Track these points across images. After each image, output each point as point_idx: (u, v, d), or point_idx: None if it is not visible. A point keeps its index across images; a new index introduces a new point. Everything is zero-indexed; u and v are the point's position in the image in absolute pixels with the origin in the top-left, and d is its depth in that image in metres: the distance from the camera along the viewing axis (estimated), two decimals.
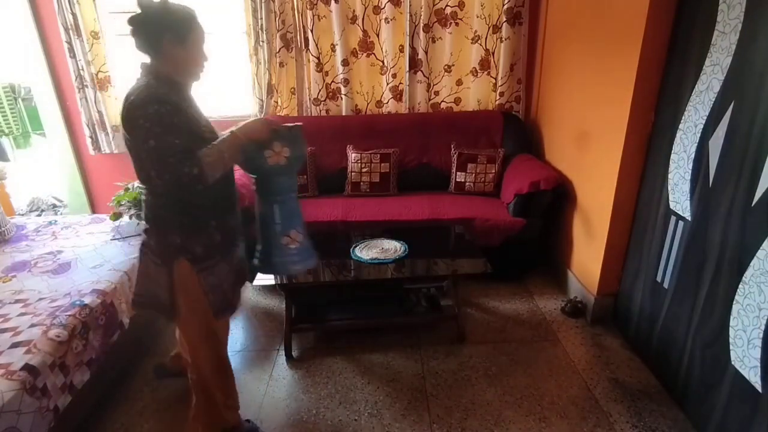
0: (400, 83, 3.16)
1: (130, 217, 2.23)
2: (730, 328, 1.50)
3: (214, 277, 1.44)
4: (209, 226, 1.42)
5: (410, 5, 2.95)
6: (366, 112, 3.26)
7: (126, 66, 3.16)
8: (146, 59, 1.34)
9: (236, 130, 1.38)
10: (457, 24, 3.04)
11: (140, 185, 1.47)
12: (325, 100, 3.20)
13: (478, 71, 3.13)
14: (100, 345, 1.73)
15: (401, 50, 3.08)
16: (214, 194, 1.41)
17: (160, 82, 1.32)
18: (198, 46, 1.37)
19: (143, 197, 1.42)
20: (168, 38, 1.30)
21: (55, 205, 4.01)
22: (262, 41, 2.98)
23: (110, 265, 2.01)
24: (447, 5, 2.99)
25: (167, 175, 1.24)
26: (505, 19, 2.95)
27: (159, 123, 1.24)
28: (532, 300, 2.60)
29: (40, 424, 1.38)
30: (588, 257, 2.39)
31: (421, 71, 3.13)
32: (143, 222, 1.44)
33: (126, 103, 1.27)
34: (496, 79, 3.14)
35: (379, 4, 2.99)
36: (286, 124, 1.47)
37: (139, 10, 1.28)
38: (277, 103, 3.18)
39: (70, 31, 2.94)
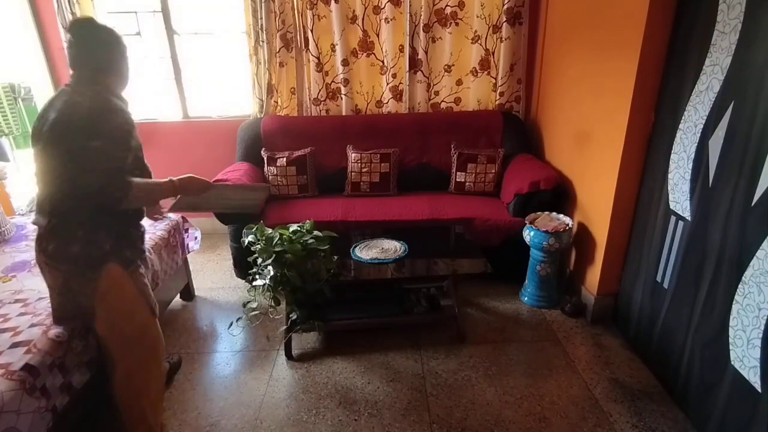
0: (400, 83, 3.16)
1: None
2: (730, 328, 1.51)
3: (143, 277, 1.54)
4: (138, 230, 1.55)
5: (410, 5, 2.94)
6: (366, 112, 3.26)
7: None
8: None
9: (176, 182, 1.48)
10: (457, 24, 3.03)
11: (52, 193, 1.34)
12: (325, 100, 3.20)
13: (478, 71, 3.13)
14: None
15: (401, 50, 3.08)
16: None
17: (111, 94, 1.38)
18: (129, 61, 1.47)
19: (52, 208, 1.33)
20: (118, 51, 1.40)
21: None
22: (262, 41, 2.97)
23: None
24: (447, 5, 2.99)
25: (96, 183, 1.26)
26: (505, 19, 2.95)
27: (118, 131, 1.32)
28: None
29: (38, 425, 1.37)
30: (588, 257, 2.39)
31: (421, 71, 3.12)
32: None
33: (75, 108, 1.28)
34: (496, 79, 3.13)
35: (379, 4, 2.99)
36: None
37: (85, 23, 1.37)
38: (277, 103, 3.18)
39: None
